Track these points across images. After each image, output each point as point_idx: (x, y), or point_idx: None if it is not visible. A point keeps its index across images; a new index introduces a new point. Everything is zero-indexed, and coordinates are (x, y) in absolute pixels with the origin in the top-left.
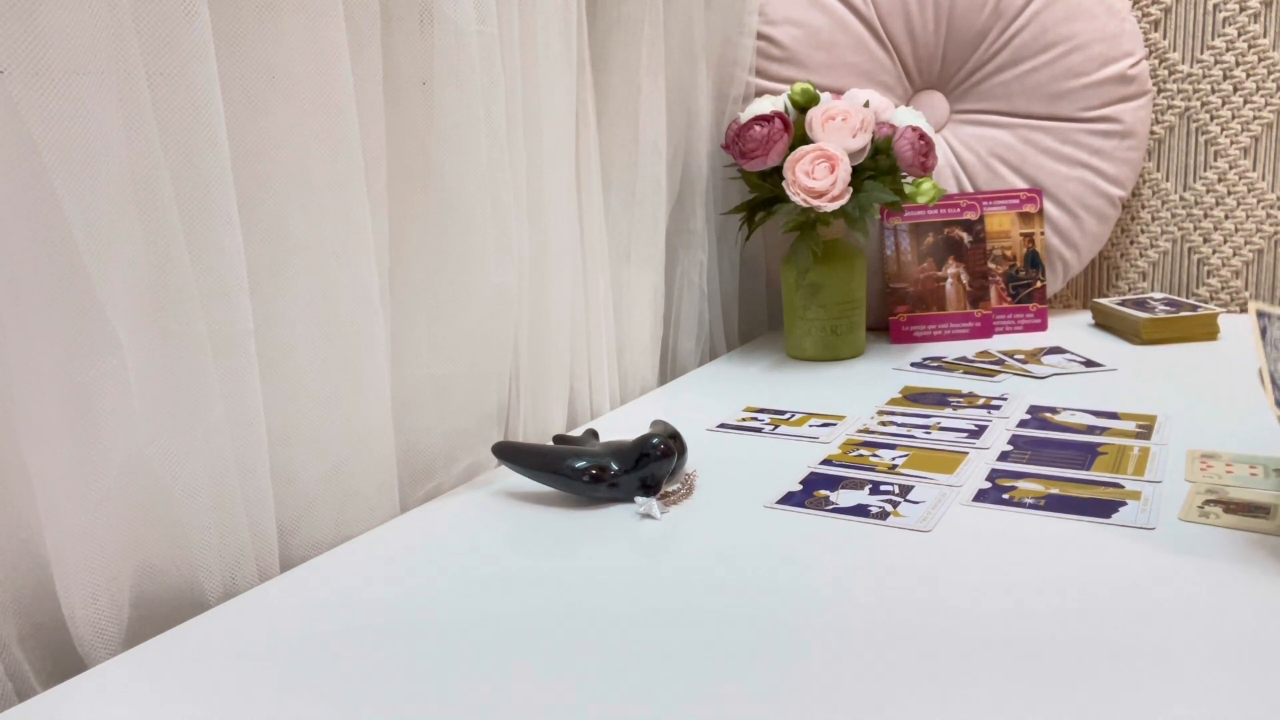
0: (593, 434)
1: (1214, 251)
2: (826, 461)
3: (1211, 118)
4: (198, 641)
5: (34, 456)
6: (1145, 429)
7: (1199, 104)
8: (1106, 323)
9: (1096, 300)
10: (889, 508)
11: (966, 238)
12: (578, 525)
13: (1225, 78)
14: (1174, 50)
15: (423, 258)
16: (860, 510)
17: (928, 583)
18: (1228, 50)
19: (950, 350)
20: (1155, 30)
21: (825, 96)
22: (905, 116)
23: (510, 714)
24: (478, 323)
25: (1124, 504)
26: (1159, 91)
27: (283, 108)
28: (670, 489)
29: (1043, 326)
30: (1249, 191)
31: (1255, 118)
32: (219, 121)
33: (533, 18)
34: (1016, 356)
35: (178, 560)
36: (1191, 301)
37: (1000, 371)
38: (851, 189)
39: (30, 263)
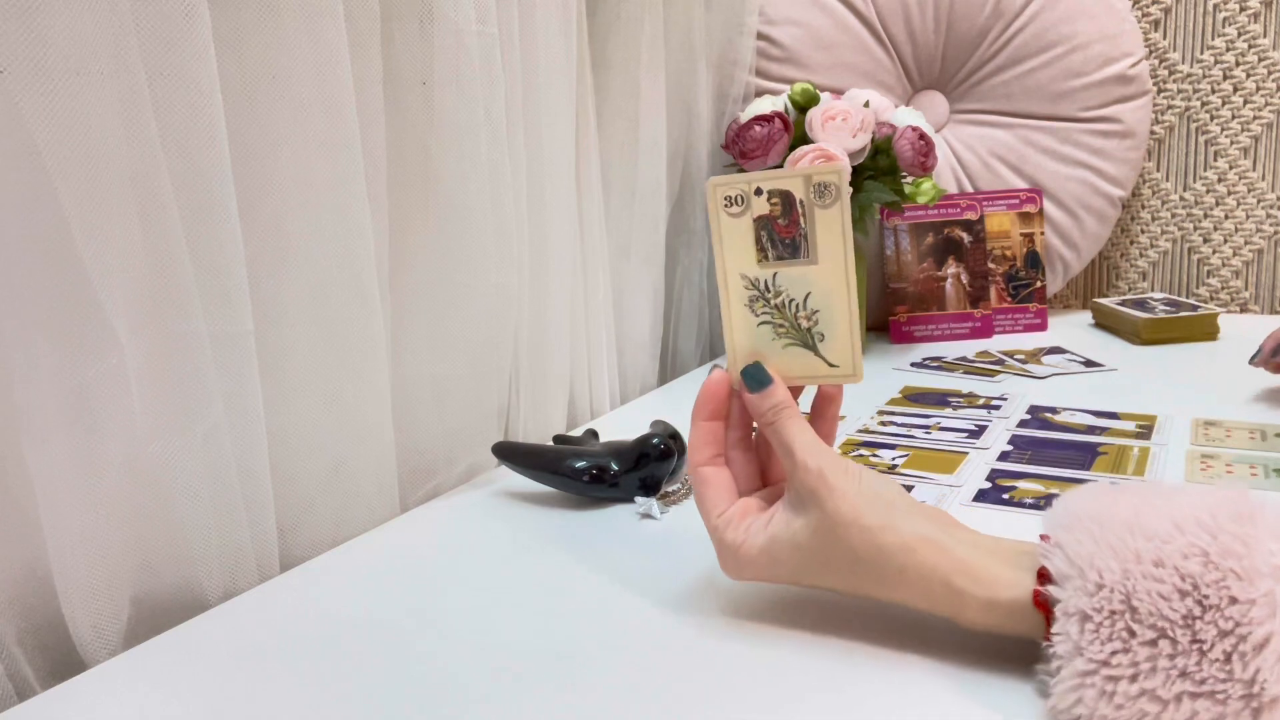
0: (593, 434)
1: (1214, 251)
2: None
3: (1211, 118)
4: (198, 641)
5: (34, 456)
6: (1145, 429)
7: (1199, 104)
8: (1106, 323)
9: (1096, 300)
10: None
11: (966, 238)
12: (578, 525)
13: (1225, 78)
14: (1174, 50)
15: (423, 258)
16: None
17: None
18: (1228, 50)
19: (950, 350)
20: (1155, 30)
21: (825, 96)
22: (905, 116)
23: (510, 713)
24: (478, 323)
25: None
26: (1159, 91)
27: (283, 108)
28: (670, 489)
29: (1043, 326)
30: (1249, 191)
31: (1255, 118)
32: (219, 121)
33: (533, 18)
34: (1016, 356)
35: (178, 560)
36: (1191, 301)
37: (1000, 371)
38: (851, 189)
39: (30, 263)
